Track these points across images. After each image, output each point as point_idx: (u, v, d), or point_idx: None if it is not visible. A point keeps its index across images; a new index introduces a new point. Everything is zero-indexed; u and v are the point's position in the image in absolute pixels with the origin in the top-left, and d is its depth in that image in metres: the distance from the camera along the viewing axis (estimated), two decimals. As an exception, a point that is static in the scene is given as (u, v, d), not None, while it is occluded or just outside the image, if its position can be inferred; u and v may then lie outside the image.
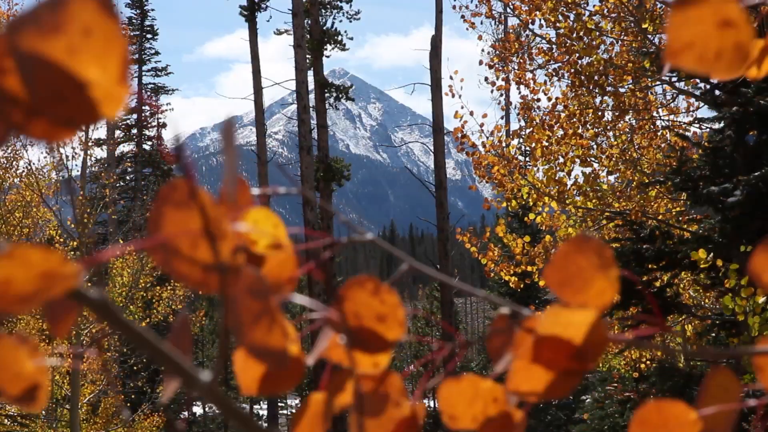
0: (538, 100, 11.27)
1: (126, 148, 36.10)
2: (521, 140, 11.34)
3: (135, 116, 36.38)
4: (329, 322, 0.63)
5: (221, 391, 0.52)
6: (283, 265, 0.61)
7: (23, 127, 0.49)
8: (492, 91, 12.15)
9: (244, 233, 0.56)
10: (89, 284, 0.50)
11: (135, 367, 23.28)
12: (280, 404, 34.59)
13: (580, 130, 10.74)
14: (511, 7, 11.22)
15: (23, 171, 16.46)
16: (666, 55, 0.60)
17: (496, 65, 11.83)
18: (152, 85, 37.64)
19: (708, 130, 9.94)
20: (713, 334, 9.67)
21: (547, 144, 10.83)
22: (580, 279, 0.63)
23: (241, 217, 0.56)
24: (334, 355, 0.65)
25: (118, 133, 34.99)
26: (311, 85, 23.10)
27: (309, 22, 23.36)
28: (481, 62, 12.11)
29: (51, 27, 0.47)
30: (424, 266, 0.68)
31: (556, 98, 11.01)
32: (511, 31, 12.37)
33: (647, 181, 10.42)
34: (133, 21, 36.66)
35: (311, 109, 22.83)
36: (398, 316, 0.64)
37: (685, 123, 11.51)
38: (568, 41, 10.35)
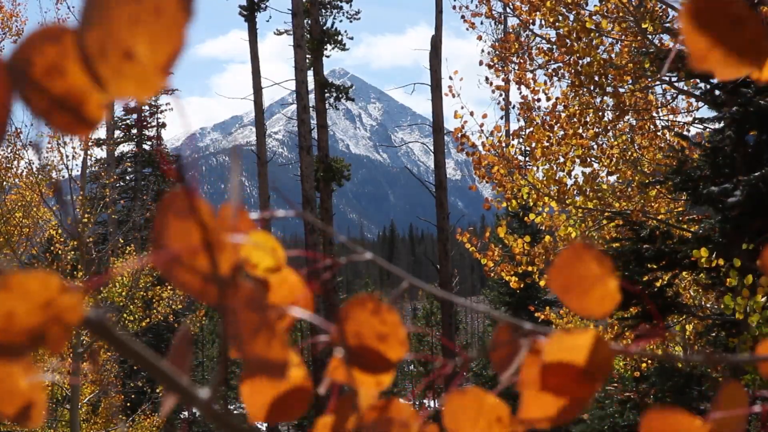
0: (539, 100, 11.26)
1: (126, 148, 36.10)
2: (521, 140, 11.34)
3: (135, 116, 36.38)
4: (332, 343, 0.63)
5: (219, 409, 0.51)
6: (290, 290, 0.61)
7: (47, 114, 0.48)
8: (492, 92, 12.15)
9: (243, 246, 0.56)
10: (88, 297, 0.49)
11: (135, 367, 23.29)
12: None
13: (580, 131, 10.74)
14: (511, 7, 11.22)
15: (23, 171, 16.47)
16: (692, 62, 0.61)
17: (496, 65, 11.82)
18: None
19: (708, 130, 9.94)
20: (713, 334, 9.67)
21: (547, 144, 10.83)
22: (581, 286, 0.63)
23: (241, 240, 0.55)
24: (338, 375, 0.65)
25: (118, 133, 35.00)
26: (311, 85, 23.11)
27: (309, 22, 23.37)
28: (481, 62, 12.10)
29: None
30: (423, 283, 0.68)
31: (557, 98, 11.01)
32: (511, 31, 12.37)
33: (647, 181, 10.41)
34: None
35: (311, 109, 22.84)
36: (399, 335, 0.63)
37: (685, 123, 11.51)
38: (568, 41, 10.34)
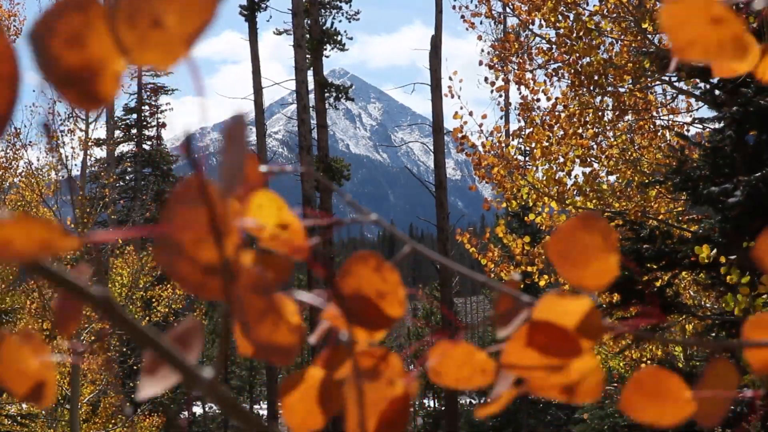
0: (538, 100, 11.26)
1: (126, 148, 36.10)
2: (521, 140, 11.34)
3: (135, 116, 36.36)
4: (331, 294, 0.64)
5: (222, 389, 0.52)
6: (291, 237, 0.62)
7: (62, 86, 0.49)
8: (492, 92, 12.14)
9: (250, 225, 0.57)
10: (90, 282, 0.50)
11: (135, 367, 23.28)
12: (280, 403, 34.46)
13: (580, 130, 10.73)
14: (511, 7, 11.22)
15: (23, 171, 16.47)
16: (673, 53, 0.62)
17: (496, 65, 11.82)
18: (152, 85, 37.64)
19: (708, 130, 9.94)
20: (713, 334, 9.67)
21: (546, 144, 10.83)
22: (581, 256, 0.64)
23: (245, 202, 0.56)
24: (334, 322, 0.66)
25: (118, 133, 35.00)
26: (311, 85, 23.12)
27: (308, 21, 23.37)
28: (480, 62, 12.09)
29: None
30: (425, 248, 0.69)
31: (556, 98, 11.00)
32: (510, 31, 12.37)
33: (647, 181, 10.41)
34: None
35: (311, 109, 22.84)
36: (398, 295, 0.65)
37: (685, 123, 11.51)
38: (568, 41, 10.34)
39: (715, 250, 8.23)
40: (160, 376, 0.51)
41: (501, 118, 25.35)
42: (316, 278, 20.19)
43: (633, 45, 10.36)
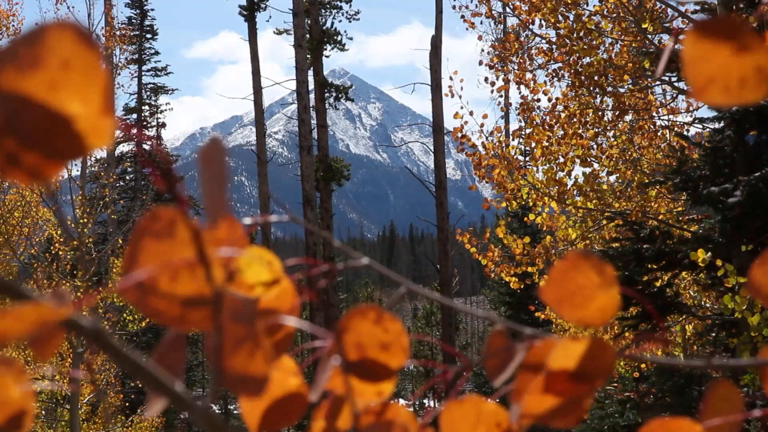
0: (538, 100, 11.26)
1: (126, 148, 36.09)
2: (521, 140, 11.34)
3: (135, 116, 36.37)
4: (330, 354, 0.62)
5: (217, 417, 0.51)
6: (281, 297, 0.60)
7: (5, 171, 0.48)
8: (492, 92, 12.14)
9: (237, 262, 0.55)
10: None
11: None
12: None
13: (580, 131, 10.73)
14: (511, 7, 11.21)
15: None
16: (692, 94, 0.59)
17: (496, 65, 11.81)
18: (152, 85, 37.63)
19: (708, 130, 9.94)
20: (713, 334, 9.67)
21: (547, 144, 10.83)
22: (579, 296, 0.61)
23: (235, 260, 0.54)
24: (336, 385, 0.64)
25: (117, 133, 34.94)
26: (311, 85, 23.12)
27: (308, 21, 23.37)
28: (480, 62, 12.09)
29: (29, 62, 0.45)
30: (421, 288, 0.67)
31: (556, 98, 11.00)
32: (510, 31, 12.36)
33: (647, 181, 10.41)
34: (133, 21, 36.63)
35: (311, 108, 22.84)
36: (402, 344, 0.63)
37: (685, 123, 11.51)
38: (568, 41, 10.34)
39: (711, 254, 8.22)
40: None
41: (501, 118, 25.38)
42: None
43: (633, 45, 10.36)
